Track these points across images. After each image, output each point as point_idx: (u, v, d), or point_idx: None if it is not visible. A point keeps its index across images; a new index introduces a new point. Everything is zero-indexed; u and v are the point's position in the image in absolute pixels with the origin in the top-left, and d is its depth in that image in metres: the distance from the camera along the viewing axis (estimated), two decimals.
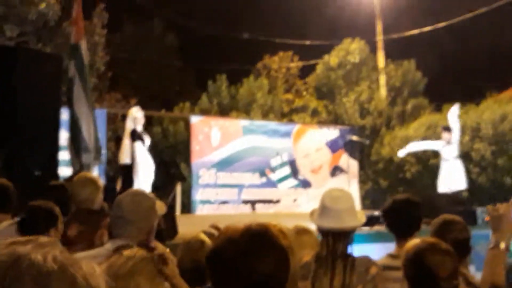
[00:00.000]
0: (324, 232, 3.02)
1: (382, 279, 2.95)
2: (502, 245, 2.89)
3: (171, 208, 14.92)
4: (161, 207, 2.96)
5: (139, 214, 2.79)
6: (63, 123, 6.83)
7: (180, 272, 2.29)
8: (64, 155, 6.98)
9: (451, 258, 2.52)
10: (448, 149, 11.30)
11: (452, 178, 11.18)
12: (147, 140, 9.27)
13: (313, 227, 3.29)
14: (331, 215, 3.01)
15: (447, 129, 11.39)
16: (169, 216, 5.99)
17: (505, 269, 2.93)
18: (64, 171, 7.53)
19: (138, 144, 8.89)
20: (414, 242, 2.62)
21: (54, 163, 6.11)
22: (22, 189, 5.02)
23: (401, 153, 13.11)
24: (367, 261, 3.01)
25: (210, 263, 1.66)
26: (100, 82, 17.40)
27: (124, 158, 8.96)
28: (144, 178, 9.13)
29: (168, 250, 2.29)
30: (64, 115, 7.24)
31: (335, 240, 2.97)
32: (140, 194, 2.91)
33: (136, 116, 9.10)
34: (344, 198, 3.13)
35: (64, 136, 7.02)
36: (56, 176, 5.87)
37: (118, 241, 2.68)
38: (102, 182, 4.06)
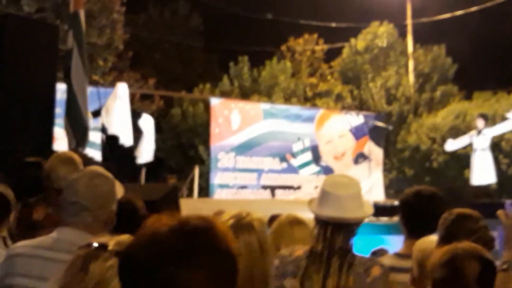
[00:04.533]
0: (322, 223, 2.49)
1: (386, 283, 2.42)
2: None
3: (189, 191, 14.73)
4: (119, 189, 2.52)
5: (97, 199, 2.38)
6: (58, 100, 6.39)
7: None
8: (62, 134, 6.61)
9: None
10: (480, 139, 10.53)
11: (481, 171, 10.49)
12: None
13: (310, 217, 2.77)
14: (332, 202, 2.48)
15: (484, 117, 10.71)
16: (172, 199, 5.53)
17: None
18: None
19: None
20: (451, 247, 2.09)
21: (48, 143, 5.69)
22: (12, 170, 4.66)
23: (449, 147, 11.85)
24: (369, 260, 2.48)
25: (121, 271, 1.19)
26: (119, 61, 17.12)
27: None
28: None
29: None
30: (60, 91, 6.84)
31: (334, 233, 2.44)
32: (98, 175, 2.45)
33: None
34: (349, 184, 2.59)
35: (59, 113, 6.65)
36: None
37: (67, 229, 2.31)
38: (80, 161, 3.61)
